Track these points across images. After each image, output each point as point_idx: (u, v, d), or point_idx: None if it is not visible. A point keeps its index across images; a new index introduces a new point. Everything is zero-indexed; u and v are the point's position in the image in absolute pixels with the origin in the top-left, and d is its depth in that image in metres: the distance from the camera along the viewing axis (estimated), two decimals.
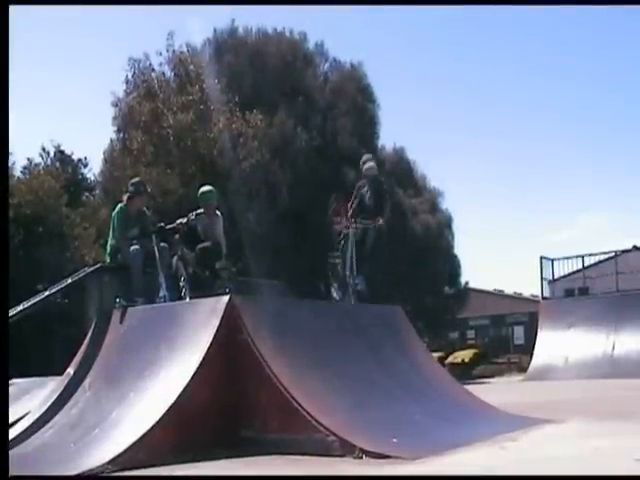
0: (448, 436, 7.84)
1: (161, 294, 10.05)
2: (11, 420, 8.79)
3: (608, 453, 6.58)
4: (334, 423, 7.38)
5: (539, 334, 23.74)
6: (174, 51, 29.12)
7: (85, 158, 35.20)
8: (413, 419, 8.42)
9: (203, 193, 11.21)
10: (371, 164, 12.21)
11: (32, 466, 7.24)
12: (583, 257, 27.20)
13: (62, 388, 9.01)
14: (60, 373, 9.57)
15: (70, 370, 9.29)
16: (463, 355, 40.55)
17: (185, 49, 29.78)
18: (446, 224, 35.50)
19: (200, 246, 10.75)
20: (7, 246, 8.87)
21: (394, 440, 7.33)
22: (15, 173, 29.31)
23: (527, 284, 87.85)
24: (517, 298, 52.95)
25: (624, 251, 27.63)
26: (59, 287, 10.66)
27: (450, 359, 38.79)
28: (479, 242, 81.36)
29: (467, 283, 37.84)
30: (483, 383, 26.07)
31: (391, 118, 76.77)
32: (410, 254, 30.74)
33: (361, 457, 6.87)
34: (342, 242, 11.59)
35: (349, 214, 11.59)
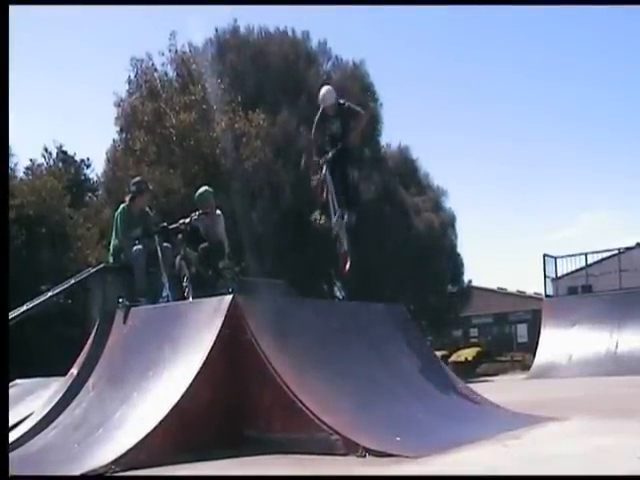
0: (451, 434, 7.84)
1: (164, 294, 10.08)
2: (15, 421, 8.82)
3: (611, 451, 6.57)
4: (337, 422, 7.38)
5: (542, 332, 23.74)
6: (176, 51, 29.14)
7: (88, 158, 35.32)
8: (416, 418, 8.42)
9: (200, 194, 11.28)
10: (324, 91, 11.06)
11: (36, 466, 7.25)
12: (586, 255, 27.21)
13: (66, 388, 9.02)
14: (63, 374, 9.57)
15: (74, 370, 9.30)
16: (466, 353, 40.59)
17: (187, 49, 29.80)
18: (449, 223, 35.48)
19: (202, 246, 10.78)
20: (7, 247, 8.88)
21: (397, 439, 7.33)
22: (18, 174, 29.37)
23: (530, 282, 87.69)
24: (520, 296, 52.88)
25: (627, 248, 27.61)
26: (62, 288, 10.69)
27: (453, 357, 38.83)
28: (482, 240, 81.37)
29: (470, 281, 37.81)
30: (486, 381, 26.06)
31: (394, 117, 76.79)
32: (413, 253, 30.75)
33: (364, 456, 6.87)
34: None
35: (314, 152, 10.98)
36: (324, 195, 10.82)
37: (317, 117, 11.06)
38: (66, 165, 34.07)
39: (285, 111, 29.38)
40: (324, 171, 10.71)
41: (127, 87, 29.02)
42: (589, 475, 5.41)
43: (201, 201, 11.17)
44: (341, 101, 11.00)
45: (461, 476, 5.83)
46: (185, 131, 26.82)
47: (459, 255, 36.29)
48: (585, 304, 23.56)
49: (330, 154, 10.63)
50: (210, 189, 11.42)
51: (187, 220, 10.96)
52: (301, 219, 27.09)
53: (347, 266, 11.01)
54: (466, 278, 37.23)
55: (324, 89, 11.10)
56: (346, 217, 10.84)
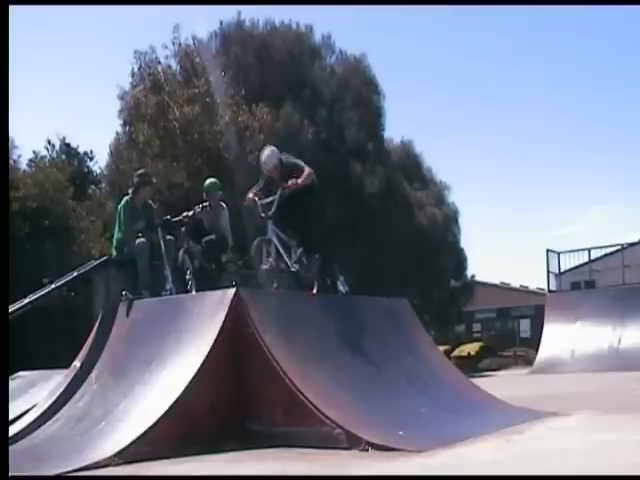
0: (454, 429, 7.83)
1: (167, 287, 10.07)
2: (18, 413, 8.84)
3: (614, 446, 6.57)
4: (340, 416, 7.38)
5: (545, 327, 23.76)
6: (180, 44, 29.05)
7: (91, 151, 35.33)
8: (419, 412, 8.42)
9: (206, 185, 11.29)
10: (263, 156, 10.26)
11: (39, 459, 7.26)
12: (589, 250, 27.20)
13: (69, 381, 9.03)
14: (66, 366, 9.59)
15: (77, 363, 9.30)
16: (469, 348, 40.58)
17: (191, 42, 29.71)
18: (453, 217, 35.48)
19: (206, 239, 10.79)
20: (7, 240, 8.87)
21: (400, 433, 7.32)
22: (21, 166, 29.35)
23: (533, 277, 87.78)
24: (523, 291, 52.84)
25: (631, 244, 27.57)
26: (65, 280, 10.68)
27: (456, 352, 38.84)
28: (485, 235, 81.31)
29: (473, 276, 37.82)
30: (489, 376, 26.07)
31: (397, 111, 76.61)
32: (416, 247, 30.75)
33: (367, 450, 6.88)
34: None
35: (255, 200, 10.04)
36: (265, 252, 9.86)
37: (261, 184, 10.37)
38: (69, 158, 34.09)
39: (289, 105, 29.34)
40: (269, 226, 9.97)
41: (130, 80, 28.98)
42: (591, 475, 5.39)
43: (206, 192, 11.20)
44: (283, 159, 10.27)
45: (463, 475, 5.81)
46: (189, 124, 26.79)
47: (462, 250, 36.31)
48: (588, 299, 23.58)
49: (273, 206, 9.90)
50: (217, 181, 11.42)
51: (191, 213, 10.98)
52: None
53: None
54: (469, 273, 37.31)
55: (263, 154, 10.32)
56: (305, 260, 10.26)
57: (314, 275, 10.40)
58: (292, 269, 10.15)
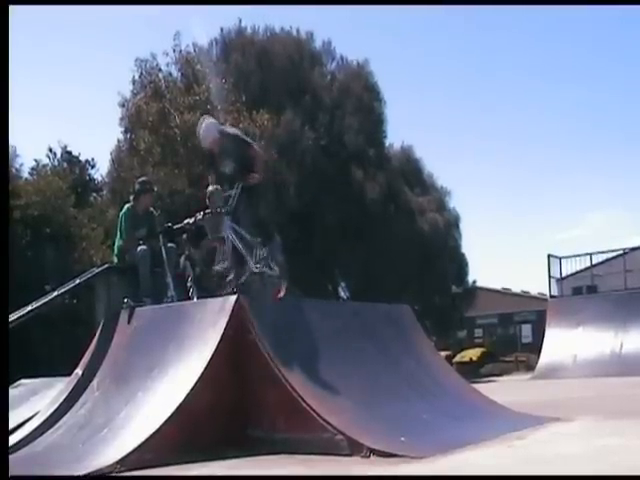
0: (456, 435, 7.82)
1: (169, 294, 10.07)
2: (20, 421, 8.85)
3: (616, 452, 6.56)
4: (342, 422, 7.38)
5: (547, 332, 23.75)
6: (181, 51, 29.17)
7: (92, 159, 35.38)
8: (421, 418, 8.41)
9: (209, 193, 11.27)
10: (201, 129, 9.55)
11: (41, 466, 7.26)
12: (591, 255, 27.21)
13: (71, 388, 9.03)
14: (68, 374, 9.59)
15: (78, 370, 9.31)
16: (471, 354, 40.58)
17: (192, 49, 29.82)
18: (454, 223, 35.47)
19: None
20: (7, 247, 8.88)
21: (402, 439, 7.32)
22: (23, 174, 29.42)
23: (535, 282, 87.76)
24: (525, 296, 52.86)
25: (632, 249, 27.55)
26: (67, 288, 10.68)
27: (458, 358, 38.82)
28: (487, 241, 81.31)
29: (475, 282, 37.75)
30: (491, 382, 26.05)
31: (399, 116, 76.64)
32: (418, 253, 30.75)
33: (369, 456, 6.86)
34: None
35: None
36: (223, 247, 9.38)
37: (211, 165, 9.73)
38: (71, 165, 34.17)
39: (289, 111, 29.39)
40: (226, 223, 9.45)
41: (131, 87, 29.07)
42: (594, 475, 5.39)
43: (209, 199, 11.19)
44: (223, 131, 9.75)
45: (465, 476, 5.82)
46: (189, 131, 26.70)
47: (463, 255, 36.27)
48: (590, 304, 23.57)
49: (231, 200, 9.43)
50: (219, 189, 11.40)
51: (192, 220, 10.97)
52: (305, 219, 27.13)
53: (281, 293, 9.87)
54: (470, 278, 37.22)
55: (200, 127, 9.58)
56: (265, 252, 9.74)
57: (281, 276, 9.96)
58: (254, 270, 9.51)
